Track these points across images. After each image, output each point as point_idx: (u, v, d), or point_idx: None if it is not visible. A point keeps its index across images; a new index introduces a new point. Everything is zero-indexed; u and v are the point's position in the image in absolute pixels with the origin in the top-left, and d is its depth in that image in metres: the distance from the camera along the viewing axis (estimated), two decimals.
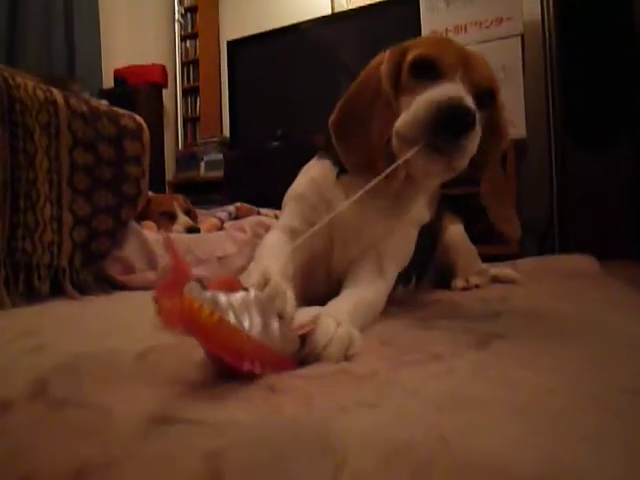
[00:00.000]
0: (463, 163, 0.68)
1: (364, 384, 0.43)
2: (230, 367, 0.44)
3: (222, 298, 0.48)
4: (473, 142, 0.66)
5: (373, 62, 0.81)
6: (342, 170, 0.84)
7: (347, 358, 0.51)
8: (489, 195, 0.80)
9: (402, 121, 0.70)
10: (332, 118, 0.82)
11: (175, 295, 0.43)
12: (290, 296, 0.54)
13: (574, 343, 0.58)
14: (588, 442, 0.30)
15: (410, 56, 0.74)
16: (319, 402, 0.39)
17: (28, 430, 0.38)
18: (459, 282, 1.32)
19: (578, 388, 0.41)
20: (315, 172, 0.89)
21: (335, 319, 0.53)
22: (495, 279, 1.43)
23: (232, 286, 0.51)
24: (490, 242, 2.50)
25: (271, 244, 0.82)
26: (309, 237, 0.78)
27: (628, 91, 2.46)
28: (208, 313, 0.41)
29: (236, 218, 2.12)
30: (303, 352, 0.50)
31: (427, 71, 0.71)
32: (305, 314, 0.54)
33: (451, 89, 0.67)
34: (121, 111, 1.62)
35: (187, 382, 0.48)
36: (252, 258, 1.73)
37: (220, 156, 3.84)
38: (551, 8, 2.83)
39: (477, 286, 1.30)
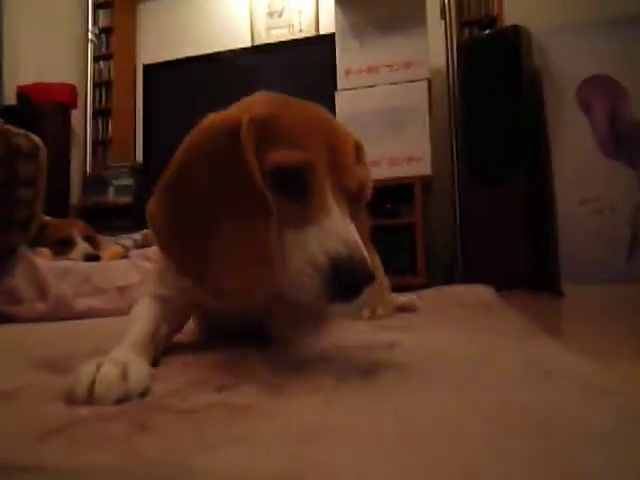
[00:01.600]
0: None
1: (238, 417, 0.42)
2: None
3: None
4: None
5: (217, 129, 0.61)
6: None
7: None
8: None
9: (288, 271, 0.56)
10: (152, 205, 0.63)
11: None
12: (135, 367, 0.52)
13: (457, 374, 0.60)
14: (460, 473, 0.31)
15: (271, 156, 0.59)
16: (187, 440, 0.37)
17: None
18: (365, 312, 1.35)
19: (448, 418, 0.42)
20: None
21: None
22: (401, 308, 1.48)
23: None
24: (400, 272, 2.61)
25: (140, 311, 0.74)
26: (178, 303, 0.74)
27: (522, 133, 2.71)
28: None
29: (143, 246, 2.04)
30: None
31: (292, 180, 0.59)
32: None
33: (333, 234, 0.54)
34: (15, 130, 1.51)
35: (51, 424, 0.44)
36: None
37: (131, 181, 3.70)
38: (455, 55, 3.07)
39: (382, 316, 1.34)
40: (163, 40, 4.31)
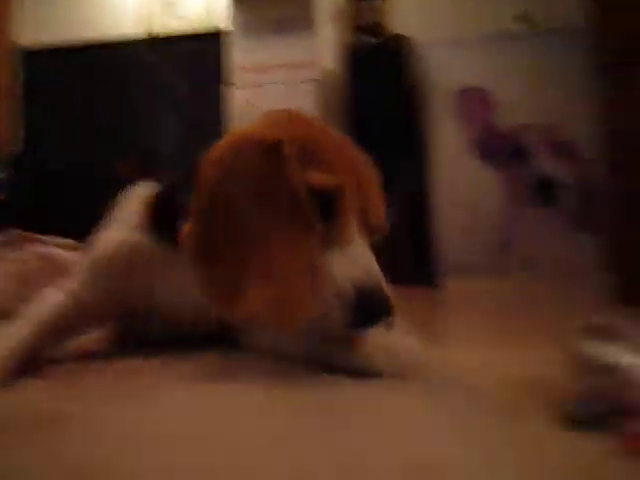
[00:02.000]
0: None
1: (59, 427, 0.42)
2: None
3: None
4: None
5: (253, 147, 0.59)
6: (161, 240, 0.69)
7: None
8: None
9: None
10: (188, 229, 0.59)
11: None
12: None
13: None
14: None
15: (308, 177, 0.58)
16: None
17: None
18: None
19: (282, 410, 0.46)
20: (128, 234, 0.72)
21: None
22: None
23: None
24: None
25: (30, 312, 0.68)
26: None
27: (402, 137, 2.88)
28: None
29: (13, 248, 1.88)
30: None
31: (319, 203, 0.59)
32: None
33: (357, 262, 0.57)
34: None
35: None
36: (22, 297, 1.54)
37: (1, 176, 3.39)
38: (344, 57, 3.18)
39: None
40: (44, 23, 3.98)
